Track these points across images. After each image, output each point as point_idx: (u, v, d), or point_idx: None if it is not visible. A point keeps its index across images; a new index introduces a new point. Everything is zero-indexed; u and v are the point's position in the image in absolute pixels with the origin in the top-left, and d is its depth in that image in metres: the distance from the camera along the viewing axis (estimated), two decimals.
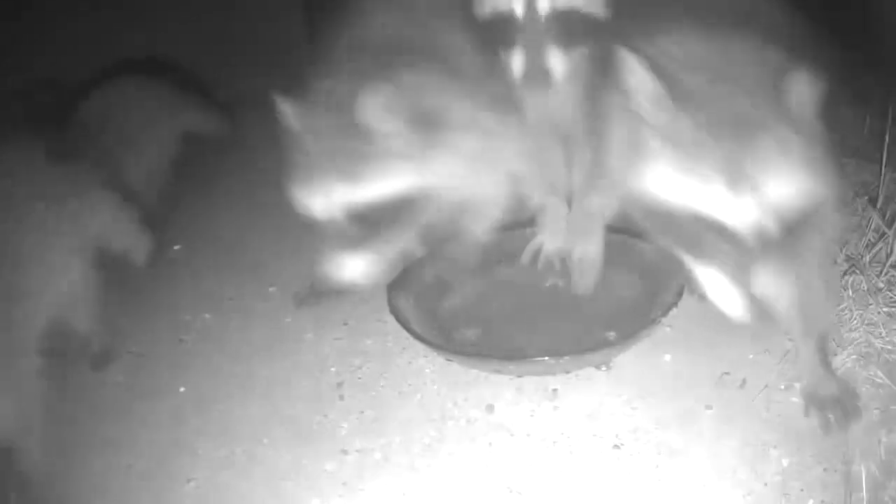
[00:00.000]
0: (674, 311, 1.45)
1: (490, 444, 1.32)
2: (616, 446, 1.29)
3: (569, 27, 1.37)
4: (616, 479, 1.23)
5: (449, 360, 1.49)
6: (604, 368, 1.47)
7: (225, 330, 1.70)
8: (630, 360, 1.48)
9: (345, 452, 1.33)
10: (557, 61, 1.37)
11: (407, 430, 1.36)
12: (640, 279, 1.62)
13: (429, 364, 1.52)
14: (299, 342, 1.63)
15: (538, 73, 1.37)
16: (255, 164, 2.58)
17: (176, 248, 2.04)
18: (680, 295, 1.48)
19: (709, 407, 1.36)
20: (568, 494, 1.21)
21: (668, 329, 1.54)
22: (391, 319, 1.56)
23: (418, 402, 1.43)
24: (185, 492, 1.29)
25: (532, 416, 1.37)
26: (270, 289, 1.83)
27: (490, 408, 1.40)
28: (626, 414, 1.36)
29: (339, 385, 1.50)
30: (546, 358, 1.40)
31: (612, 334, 1.51)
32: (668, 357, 1.49)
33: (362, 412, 1.42)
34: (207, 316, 1.75)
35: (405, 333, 1.48)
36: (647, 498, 1.19)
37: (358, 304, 1.70)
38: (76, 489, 1.32)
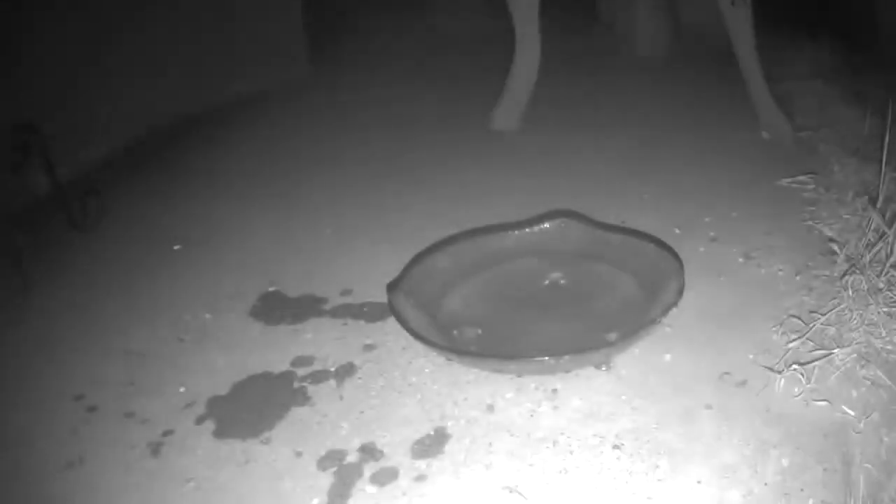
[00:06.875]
0: (674, 310, 1.45)
1: (490, 444, 1.32)
2: (616, 446, 1.29)
3: None
4: (616, 479, 1.23)
5: (449, 360, 1.49)
6: (604, 368, 1.47)
7: (225, 329, 1.70)
8: (630, 360, 1.48)
9: (345, 452, 1.33)
10: None
11: (407, 430, 1.36)
12: (640, 279, 1.62)
13: (429, 364, 1.52)
14: (299, 342, 1.63)
15: None
16: (251, 165, 2.59)
17: (176, 247, 2.04)
18: (680, 295, 1.48)
19: (709, 407, 1.36)
20: (568, 494, 1.21)
21: (668, 329, 1.54)
22: (391, 319, 1.56)
23: (418, 402, 1.43)
24: (184, 492, 1.28)
25: (532, 416, 1.37)
26: (270, 288, 1.83)
27: (490, 408, 1.40)
28: (626, 414, 1.36)
29: (339, 385, 1.50)
30: (546, 358, 1.40)
31: (612, 334, 1.51)
32: (668, 357, 1.49)
33: (362, 412, 1.42)
34: (208, 316, 1.74)
35: (405, 333, 1.48)
36: (647, 498, 1.19)
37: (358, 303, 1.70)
38: (76, 488, 1.32)
